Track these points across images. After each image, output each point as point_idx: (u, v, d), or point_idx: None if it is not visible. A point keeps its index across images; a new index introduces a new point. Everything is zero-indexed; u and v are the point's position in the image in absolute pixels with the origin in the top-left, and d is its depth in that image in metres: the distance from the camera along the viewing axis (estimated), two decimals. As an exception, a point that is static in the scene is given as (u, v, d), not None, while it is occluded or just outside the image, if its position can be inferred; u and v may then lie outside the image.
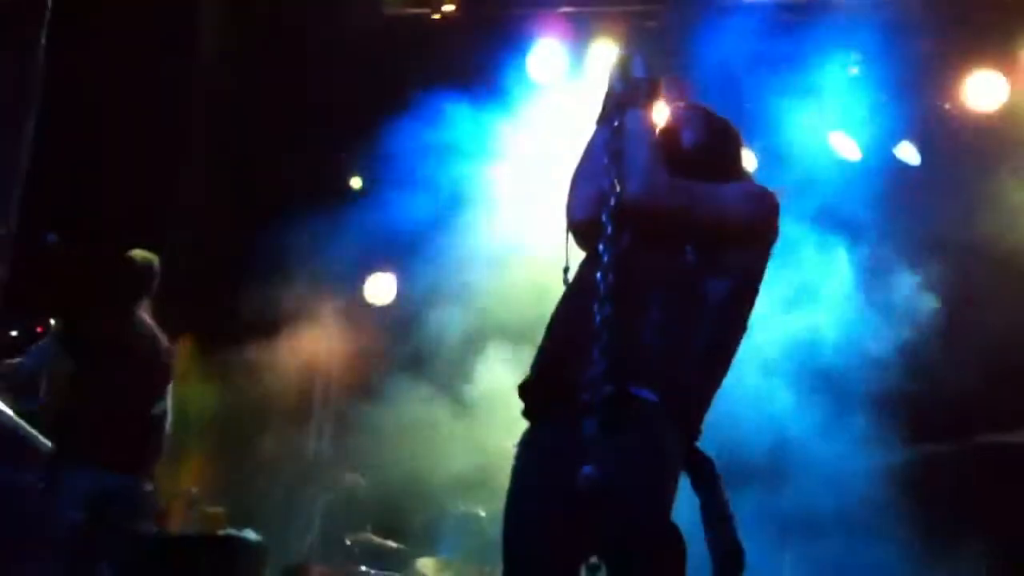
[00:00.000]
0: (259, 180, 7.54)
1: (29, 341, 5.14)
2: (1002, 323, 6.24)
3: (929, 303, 6.51)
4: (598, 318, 2.46)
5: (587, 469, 2.36)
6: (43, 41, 5.30)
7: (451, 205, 7.05)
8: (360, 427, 7.23)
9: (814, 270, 6.58)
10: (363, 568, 6.68)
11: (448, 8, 7.44)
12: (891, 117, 6.89)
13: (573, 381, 2.48)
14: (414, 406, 7.02)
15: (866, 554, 5.97)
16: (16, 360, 4.97)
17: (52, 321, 5.25)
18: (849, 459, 6.14)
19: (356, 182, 8.06)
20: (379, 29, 7.45)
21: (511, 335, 6.47)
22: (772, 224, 2.77)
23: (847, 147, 6.99)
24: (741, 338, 2.75)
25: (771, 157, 6.54)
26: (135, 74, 6.60)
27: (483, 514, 6.66)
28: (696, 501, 2.60)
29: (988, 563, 5.96)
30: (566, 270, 2.74)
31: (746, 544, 2.53)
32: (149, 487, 4.89)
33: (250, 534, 5.91)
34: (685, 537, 2.46)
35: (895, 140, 6.94)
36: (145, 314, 4.97)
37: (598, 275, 2.50)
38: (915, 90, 6.85)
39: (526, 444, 2.67)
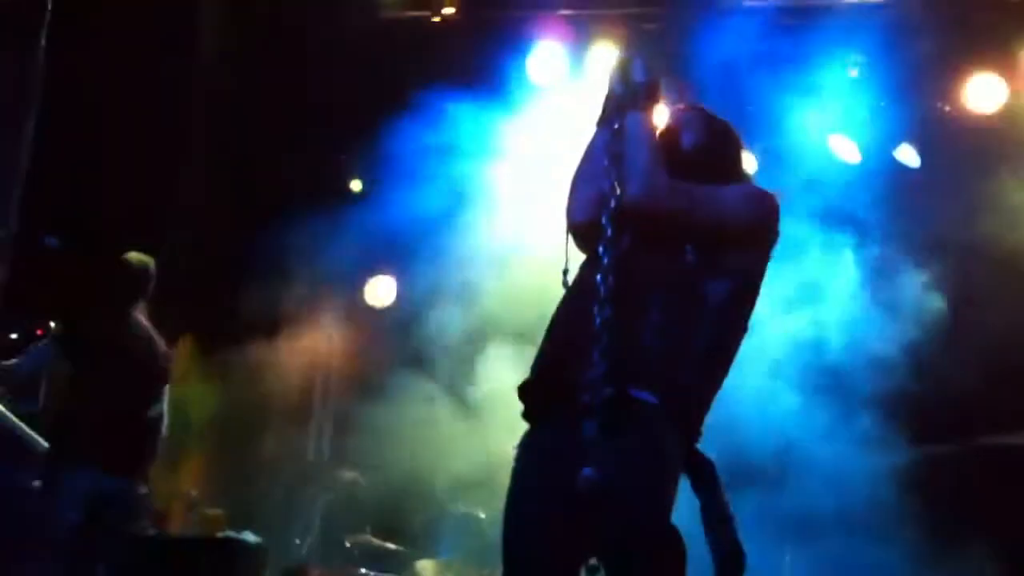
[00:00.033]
0: (259, 180, 7.54)
1: (28, 343, 5.14)
2: (1003, 323, 6.26)
3: (931, 304, 6.52)
4: (598, 320, 2.47)
5: (587, 471, 2.36)
6: (43, 41, 5.30)
7: (451, 206, 7.05)
8: (360, 428, 7.23)
9: (812, 271, 6.58)
10: (362, 570, 6.68)
11: (448, 11, 7.45)
12: (891, 119, 6.90)
13: (573, 383, 2.48)
14: (414, 407, 7.02)
15: (868, 555, 5.97)
16: (12, 361, 4.97)
17: (52, 323, 5.25)
18: (851, 459, 6.14)
19: (356, 184, 8.06)
20: (379, 30, 7.46)
21: (512, 336, 6.47)
22: (772, 226, 2.78)
23: (847, 149, 6.99)
24: (741, 339, 2.75)
25: (771, 159, 6.54)
26: (135, 74, 6.60)
27: (483, 516, 6.66)
28: (696, 503, 2.60)
29: (990, 564, 5.97)
30: (565, 272, 2.74)
31: (748, 545, 2.53)
32: (143, 490, 4.90)
33: (249, 536, 5.91)
34: (685, 539, 2.47)
35: (895, 142, 6.95)
36: (141, 316, 4.97)
37: (598, 277, 2.51)
38: (915, 92, 6.86)
39: (526, 446, 2.67)
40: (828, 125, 6.90)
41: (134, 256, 5.00)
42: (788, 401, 6.35)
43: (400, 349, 7.48)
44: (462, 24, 7.43)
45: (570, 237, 2.83)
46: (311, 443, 8.40)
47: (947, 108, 6.90)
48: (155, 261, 5.10)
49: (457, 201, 7.05)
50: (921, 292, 6.56)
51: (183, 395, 6.77)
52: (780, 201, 2.80)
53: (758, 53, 6.29)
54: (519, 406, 2.70)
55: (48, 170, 5.72)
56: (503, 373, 6.38)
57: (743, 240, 2.72)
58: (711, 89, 6.05)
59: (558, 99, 7.02)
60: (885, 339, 6.41)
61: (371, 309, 8.16)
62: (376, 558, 6.84)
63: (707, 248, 2.66)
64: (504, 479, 2.67)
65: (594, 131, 2.84)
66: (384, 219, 7.04)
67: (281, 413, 8.19)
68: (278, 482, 8.00)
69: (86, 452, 4.69)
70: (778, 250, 2.80)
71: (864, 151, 6.98)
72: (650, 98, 2.77)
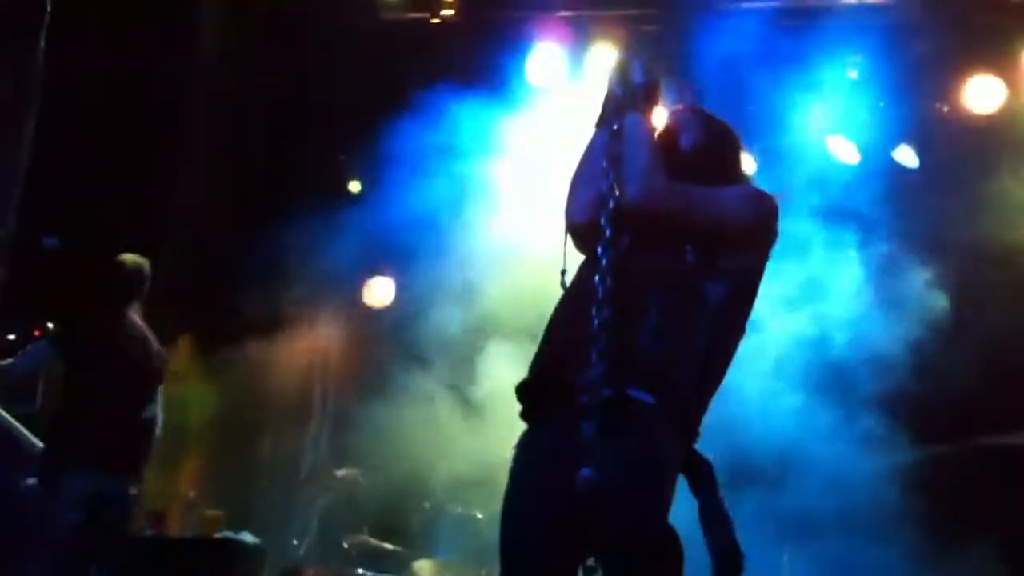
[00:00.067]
0: (259, 180, 7.54)
1: (27, 344, 5.14)
2: (1002, 323, 6.26)
3: (931, 303, 6.53)
4: (596, 321, 2.47)
5: (585, 471, 2.36)
6: (42, 41, 5.30)
7: (450, 206, 7.05)
8: (358, 428, 7.23)
9: (812, 270, 6.59)
10: (360, 570, 6.68)
11: (447, 12, 7.45)
12: (890, 120, 6.90)
13: (571, 383, 2.48)
14: (413, 407, 7.02)
15: (868, 555, 5.97)
16: (8, 361, 4.97)
17: (50, 324, 5.26)
18: (851, 459, 6.15)
19: (355, 186, 8.06)
20: (379, 31, 7.46)
21: (511, 335, 6.46)
22: (771, 226, 2.78)
23: (846, 150, 7.00)
24: (739, 340, 2.76)
25: (770, 160, 6.54)
26: (134, 74, 6.61)
27: (480, 516, 6.66)
28: (694, 503, 2.60)
29: (990, 564, 5.97)
30: (563, 272, 2.74)
31: (749, 545, 2.53)
32: (134, 491, 4.92)
33: (247, 536, 5.92)
34: (683, 539, 2.47)
35: (894, 143, 6.96)
36: (136, 317, 4.98)
37: (596, 278, 2.51)
38: (914, 93, 6.86)
39: (524, 446, 2.68)
40: (827, 126, 6.90)
41: (128, 257, 5.02)
42: (788, 400, 6.35)
43: (399, 349, 7.48)
44: (461, 25, 7.44)
45: (569, 238, 2.83)
46: (309, 443, 8.39)
47: (946, 109, 6.91)
48: (154, 261, 5.12)
49: (456, 201, 7.05)
50: (922, 291, 6.57)
51: (182, 395, 6.79)
52: (779, 202, 2.80)
53: (757, 54, 6.30)
54: (518, 406, 2.71)
55: (47, 170, 5.72)
56: (502, 373, 6.37)
57: (742, 240, 2.72)
58: (710, 90, 6.05)
59: (557, 100, 7.02)
60: (886, 338, 6.41)
61: (370, 309, 8.16)
62: (374, 558, 6.83)
63: (707, 249, 2.66)
64: (502, 479, 2.67)
65: (593, 132, 2.84)
66: (383, 219, 7.05)
67: (280, 413, 8.20)
68: (276, 483, 8.00)
69: (85, 452, 4.70)
70: (777, 249, 2.81)
71: (863, 152, 6.99)
72: (649, 99, 2.78)
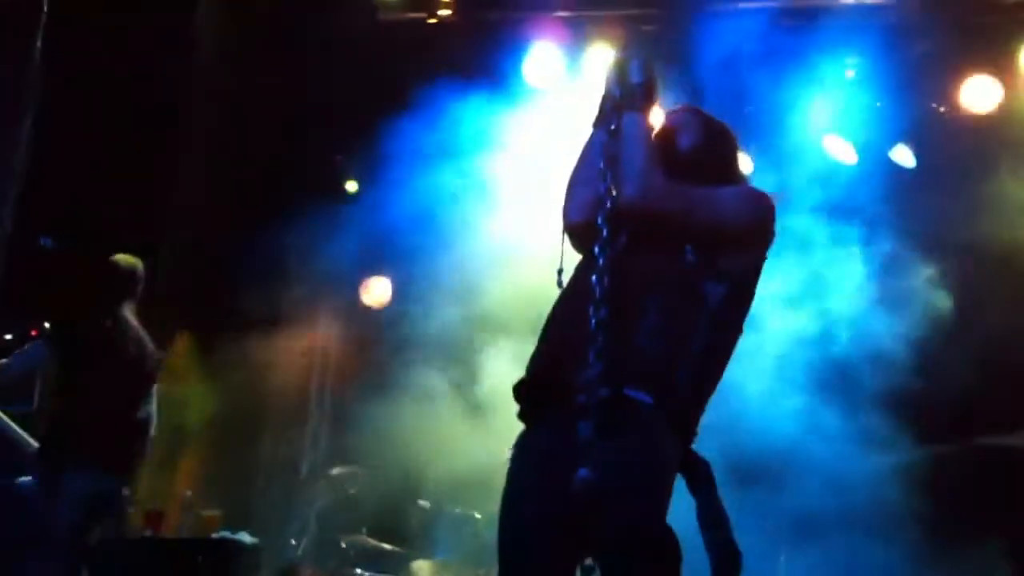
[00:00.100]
0: (258, 181, 7.54)
1: (23, 344, 5.14)
2: (1001, 323, 6.27)
3: (931, 303, 6.53)
4: (594, 321, 2.46)
5: (583, 472, 2.35)
6: (40, 41, 5.30)
7: (449, 206, 7.05)
8: (357, 428, 7.23)
9: (812, 269, 6.59)
10: (358, 571, 6.68)
11: (445, 12, 7.45)
12: (887, 120, 6.91)
13: (569, 383, 2.48)
14: (411, 408, 7.02)
15: (868, 554, 5.97)
16: (2, 361, 4.98)
17: (47, 324, 5.27)
18: (852, 458, 6.15)
19: (352, 185, 8.07)
20: (377, 32, 7.47)
21: (510, 335, 6.47)
22: (769, 226, 2.78)
23: (843, 150, 7.00)
24: (737, 340, 2.76)
25: (768, 160, 6.55)
26: (133, 74, 6.61)
27: (479, 516, 6.66)
28: (692, 503, 2.60)
29: (992, 565, 5.97)
30: (560, 272, 2.74)
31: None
32: (126, 490, 4.93)
33: (245, 537, 5.91)
34: (681, 540, 2.47)
35: (891, 143, 6.96)
36: (131, 317, 4.99)
37: (594, 278, 2.51)
38: (911, 93, 6.87)
39: (522, 446, 2.68)
40: (825, 125, 6.91)
41: (122, 258, 5.05)
42: (788, 399, 6.35)
43: (398, 349, 7.48)
44: (459, 25, 7.44)
45: (566, 237, 2.83)
46: (308, 443, 8.40)
47: (943, 109, 6.91)
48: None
49: (455, 201, 7.06)
50: (922, 291, 6.57)
51: (181, 395, 6.79)
52: (776, 202, 2.80)
53: (755, 54, 6.30)
54: (516, 406, 2.71)
55: (46, 170, 5.72)
56: (501, 373, 6.37)
57: (741, 240, 2.72)
58: (708, 90, 6.05)
59: (555, 100, 7.02)
60: (886, 337, 6.41)
61: (369, 309, 8.17)
62: (372, 559, 6.83)
63: (706, 249, 2.66)
64: (501, 479, 2.67)
65: (591, 132, 2.85)
66: (382, 219, 7.05)
67: (278, 413, 8.20)
68: (275, 483, 8.00)
69: (84, 452, 4.71)
70: (775, 248, 2.81)
71: (860, 151, 6.99)
72: (647, 99, 2.78)
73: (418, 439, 6.81)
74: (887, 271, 6.69)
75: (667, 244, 2.66)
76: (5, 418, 5.03)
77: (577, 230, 2.78)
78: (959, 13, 6.64)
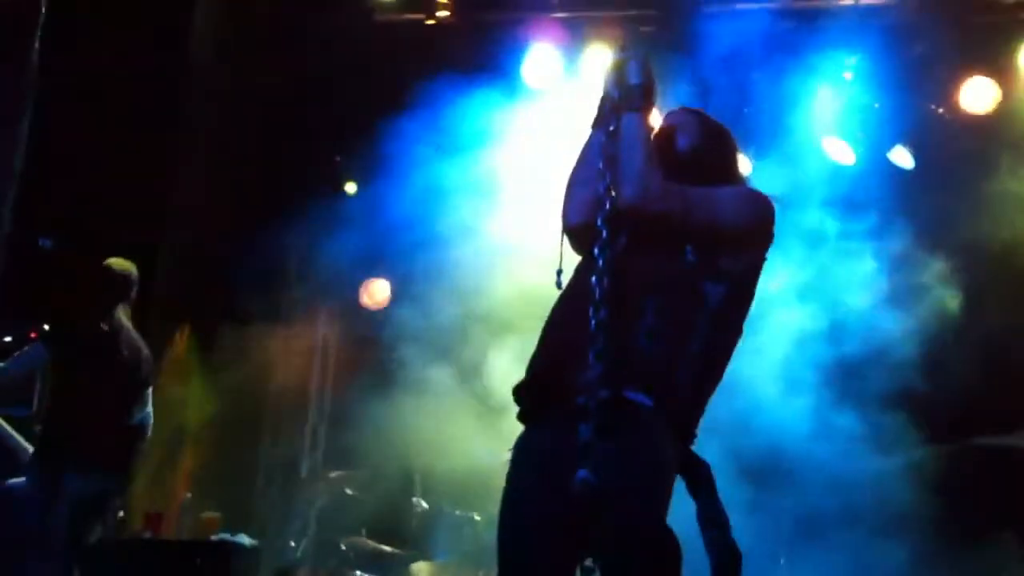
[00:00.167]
0: (258, 180, 7.54)
1: (23, 346, 5.15)
2: (1002, 323, 6.27)
3: (932, 303, 6.53)
4: (593, 322, 2.46)
5: (582, 473, 2.35)
6: (38, 41, 5.29)
7: (447, 206, 7.05)
8: (357, 429, 7.23)
9: (808, 270, 6.59)
10: (357, 572, 6.68)
11: (443, 13, 7.45)
12: (886, 121, 6.91)
13: (569, 384, 2.48)
14: (411, 408, 7.02)
15: (869, 555, 5.97)
16: (1, 365, 4.97)
17: (45, 326, 5.28)
18: (854, 458, 6.15)
19: (351, 186, 8.07)
20: (375, 33, 7.47)
21: (510, 336, 6.47)
22: (768, 226, 2.78)
23: (841, 150, 7.01)
24: (737, 341, 2.76)
25: (767, 160, 6.55)
26: (132, 74, 6.61)
27: (478, 517, 6.65)
28: (692, 504, 2.60)
29: (996, 565, 5.97)
30: (559, 273, 2.74)
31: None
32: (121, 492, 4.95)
33: (244, 539, 5.92)
34: (681, 541, 2.47)
35: (890, 143, 6.96)
36: (126, 320, 5.00)
37: (593, 279, 2.50)
38: (910, 94, 6.87)
39: (522, 447, 2.68)
40: (823, 126, 6.91)
41: (115, 261, 5.06)
42: (791, 398, 6.35)
43: (397, 349, 7.48)
44: (457, 26, 7.44)
45: (566, 238, 2.83)
46: (307, 443, 8.40)
47: (941, 110, 6.92)
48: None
49: (453, 201, 7.06)
50: (922, 291, 6.58)
51: (180, 396, 6.79)
52: (775, 203, 2.80)
53: (754, 55, 6.30)
54: (515, 407, 2.71)
55: (46, 170, 5.71)
56: (501, 374, 6.38)
57: (740, 240, 2.72)
58: (707, 91, 6.05)
59: (553, 101, 7.03)
60: (888, 336, 6.41)
61: (368, 309, 8.16)
62: (371, 560, 6.83)
63: (706, 249, 2.66)
64: (500, 480, 2.67)
65: (590, 133, 2.85)
66: (382, 219, 7.05)
67: (278, 414, 8.20)
68: (274, 484, 8.00)
69: (83, 453, 4.71)
70: (773, 248, 2.81)
71: (859, 152, 6.99)
72: (645, 100, 2.77)
73: (418, 440, 6.82)
74: (888, 270, 6.69)
75: (666, 245, 2.66)
76: (5, 424, 5.04)
77: (576, 231, 2.78)
78: (958, 13, 6.64)
